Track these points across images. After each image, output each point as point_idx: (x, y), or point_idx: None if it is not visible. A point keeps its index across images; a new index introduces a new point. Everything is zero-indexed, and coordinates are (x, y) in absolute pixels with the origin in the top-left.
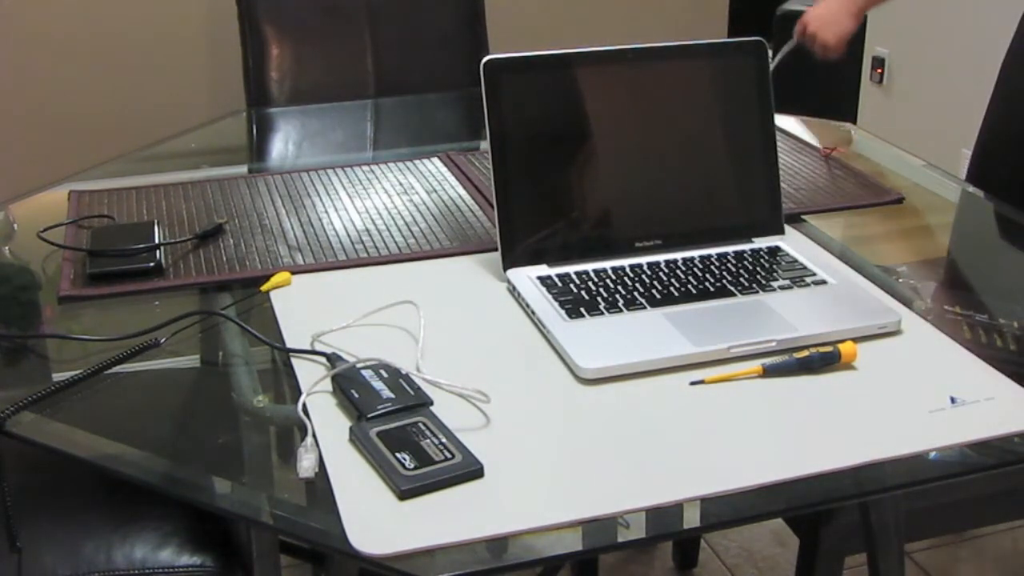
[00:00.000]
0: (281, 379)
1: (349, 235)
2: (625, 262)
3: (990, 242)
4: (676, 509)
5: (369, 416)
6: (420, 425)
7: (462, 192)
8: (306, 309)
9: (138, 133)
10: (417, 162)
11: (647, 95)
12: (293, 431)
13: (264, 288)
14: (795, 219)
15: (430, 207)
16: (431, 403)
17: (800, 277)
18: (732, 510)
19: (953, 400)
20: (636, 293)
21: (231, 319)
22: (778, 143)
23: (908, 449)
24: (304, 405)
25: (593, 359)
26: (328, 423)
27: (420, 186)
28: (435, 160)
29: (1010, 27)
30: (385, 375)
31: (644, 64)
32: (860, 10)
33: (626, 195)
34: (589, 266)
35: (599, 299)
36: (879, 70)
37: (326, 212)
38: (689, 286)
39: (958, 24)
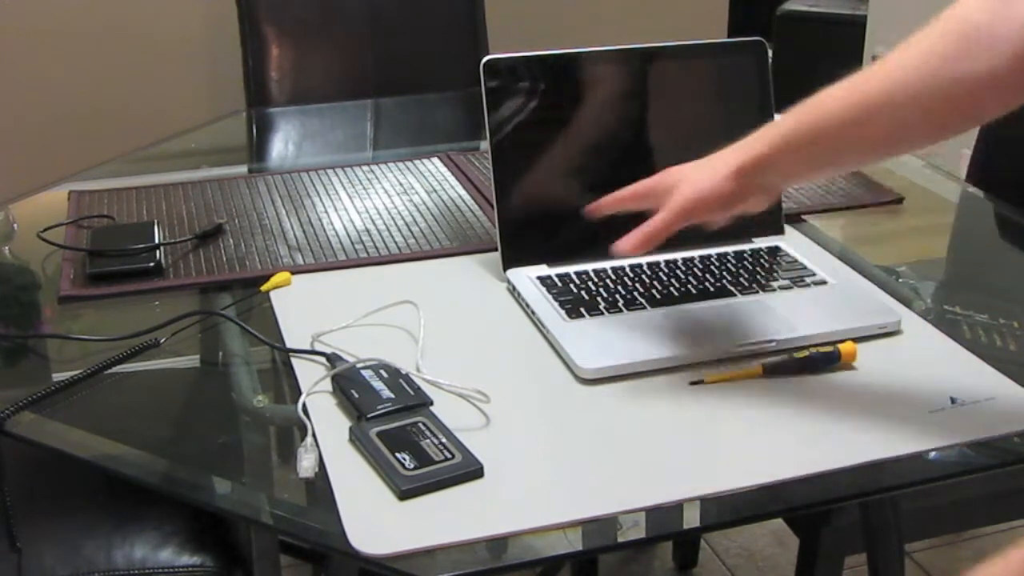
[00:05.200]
0: (281, 379)
1: (349, 235)
2: (625, 262)
3: (990, 242)
4: (676, 509)
5: (369, 416)
6: (420, 425)
7: (462, 192)
8: (306, 309)
9: (138, 133)
10: (417, 162)
11: (647, 95)
12: (293, 431)
13: (264, 288)
14: (795, 219)
15: (430, 207)
16: (431, 403)
17: (800, 277)
18: (732, 510)
19: (953, 400)
20: (636, 293)
21: (231, 319)
22: None
23: (908, 449)
24: (304, 405)
25: (593, 359)
26: (328, 423)
27: (420, 186)
28: (435, 160)
29: None
30: (385, 375)
31: (644, 64)
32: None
33: None
34: (589, 266)
35: (599, 299)
36: None
37: (326, 212)
38: (689, 286)
39: None
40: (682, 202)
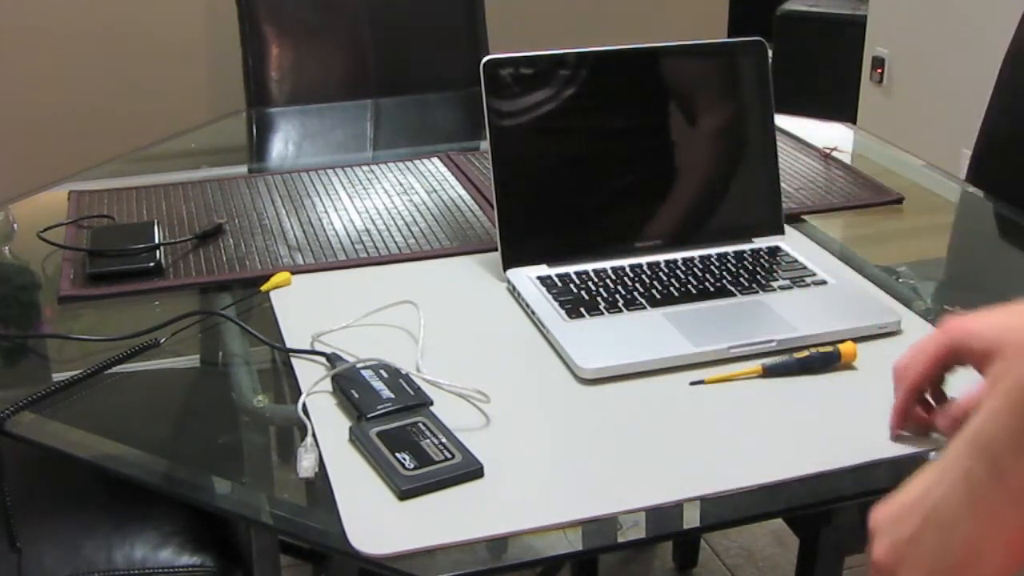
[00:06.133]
0: (281, 379)
1: (349, 235)
2: (625, 262)
3: (990, 242)
4: (676, 509)
5: (369, 416)
6: (420, 425)
7: (462, 192)
8: (306, 309)
9: (138, 133)
10: (417, 162)
11: (647, 95)
12: (293, 431)
13: (264, 288)
14: (795, 219)
15: (430, 207)
16: (431, 403)
17: (800, 277)
18: (732, 510)
19: (953, 400)
20: (636, 293)
21: (231, 319)
22: (778, 143)
23: (908, 449)
24: (304, 405)
25: (593, 359)
26: (328, 423)
27: (420, 186)
28: (435, 160)
29: (1010, 27)
30: (385, 375)
31: (644, 64)
32: None
33: (626, 195)
34: (589, 266)
35: (599, 299)
36: (879, 70)
37: (326, 212)
38: (689, 286)
39: (958, 24)
40: None
